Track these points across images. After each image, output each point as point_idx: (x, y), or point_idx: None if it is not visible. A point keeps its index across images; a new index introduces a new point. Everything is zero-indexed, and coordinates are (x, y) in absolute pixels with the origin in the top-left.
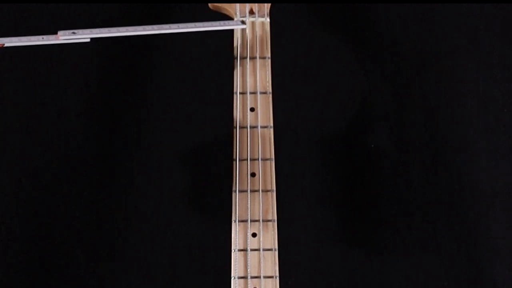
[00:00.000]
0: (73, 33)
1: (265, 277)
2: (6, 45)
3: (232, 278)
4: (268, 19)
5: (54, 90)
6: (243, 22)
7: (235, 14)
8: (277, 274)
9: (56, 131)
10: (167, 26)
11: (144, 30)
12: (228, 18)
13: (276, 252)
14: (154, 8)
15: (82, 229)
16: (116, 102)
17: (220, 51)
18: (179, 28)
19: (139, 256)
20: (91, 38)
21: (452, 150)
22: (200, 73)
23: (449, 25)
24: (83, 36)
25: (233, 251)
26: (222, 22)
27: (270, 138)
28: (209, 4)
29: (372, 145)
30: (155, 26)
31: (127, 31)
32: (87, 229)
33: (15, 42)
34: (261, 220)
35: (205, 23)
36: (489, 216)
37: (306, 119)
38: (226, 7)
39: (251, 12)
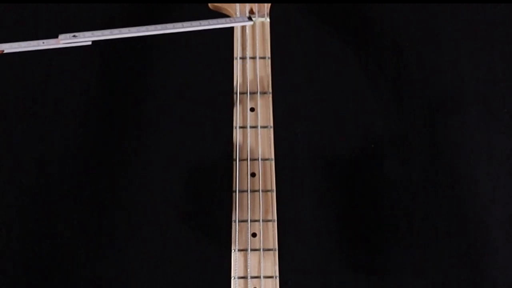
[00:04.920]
0: (74, 36)
1: (265, 277)
2: (5, 51)
3: (232, 278)
4: (268, 19)
5: (54, 90)
6: (250, 19)
7: (235, 14)
8: (277, 274)
9: (56, 132)
10: (170, 25)
11: (147, 30)
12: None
13: (276, 252)
14: (154, 8)
15: (82, 229)
16: (113, 97)
17: (220, 51)
18: (183, 27)
19: (139, 256)
20: (93, 41)
21: (452, 150)
22: (200, 73)
23: (449, 25)
24: (84, 39)
25: (233, 251)
26: (228, 19)
27: (270, 138)
28: (209, 4)
29: (372, 145)
30: (158, 26)
31: (129, 32)
32: (87, 230)
33: (15, 48)
34: (261, 220)
35: (211, 21)
36: (489, 216)
37: (306, 119)
38: (226, 7)
39: (251, 12)
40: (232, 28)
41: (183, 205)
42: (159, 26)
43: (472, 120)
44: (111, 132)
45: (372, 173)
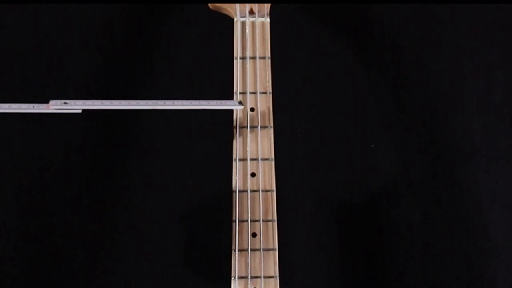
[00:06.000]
0: (65, 103)
1: (265, 277)
2: None
3: (232, 278)
4: (268, 19)
5: (54, 90)
6: (240, 103)
7: (235, 14)
8: (277, 274)
9: (56, 132)
10: (161, 102)
11: (138, 104)
12: (228, 18)
13: (276, 252)
14: (154, 8)
15: (82, 229)
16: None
17: (220, 52)
18: (174, 104)
19: (139, 255)
20: (83, 110)
21: (452, 150)
22: (200, 73)
23: (449, 25)
24: (75, 107)
25: (233, 251)
26: (219, 102)
27: (270, 138)
28: (209, 4)
29: (372, 145)
30: (149, 102)
31: (120, 104)
32: (87, 230)
33: (5, 109)
34: (261, 220)
35: (202, 102)
36: (489, 216)
37: (306, 119)
38: (226, 7)
39: (251, 12)
40: (232, 28)
41: (183, 205)
42: (150, 102)
43: (472, 120)
44: (110, 126)
45: (372, 173)
